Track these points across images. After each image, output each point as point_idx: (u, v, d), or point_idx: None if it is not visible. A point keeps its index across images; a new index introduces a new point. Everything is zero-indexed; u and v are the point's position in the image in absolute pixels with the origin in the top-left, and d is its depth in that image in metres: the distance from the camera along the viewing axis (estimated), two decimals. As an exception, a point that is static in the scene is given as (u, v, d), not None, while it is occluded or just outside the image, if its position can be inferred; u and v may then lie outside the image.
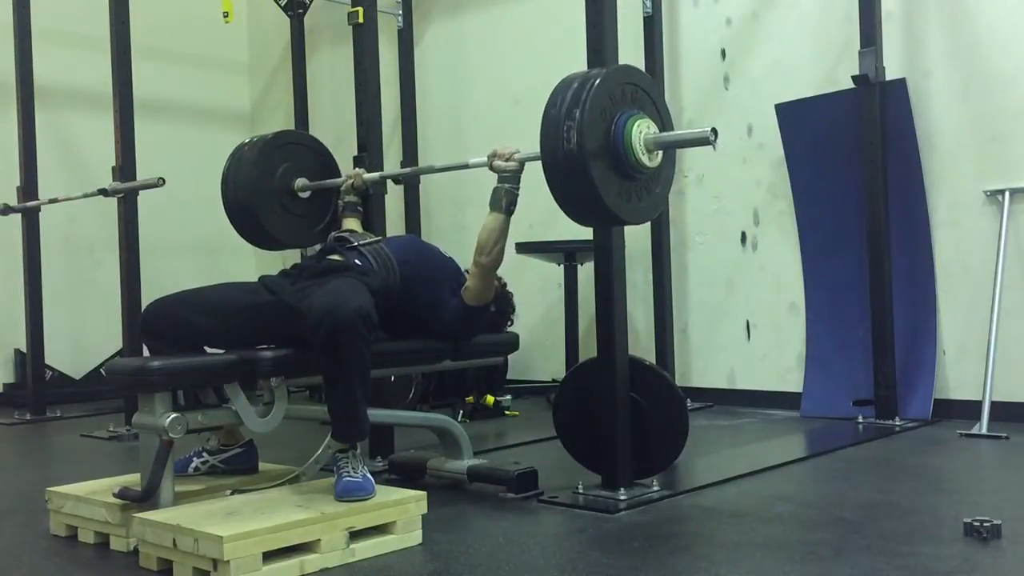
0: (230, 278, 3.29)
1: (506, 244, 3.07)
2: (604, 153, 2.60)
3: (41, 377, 5.48)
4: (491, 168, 3.05)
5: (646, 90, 2.78)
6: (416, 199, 5.97)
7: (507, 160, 3.01)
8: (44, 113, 5.63)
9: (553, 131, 2.58)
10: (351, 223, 3.49)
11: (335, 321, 2.56)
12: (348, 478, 2.55)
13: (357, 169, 3.55)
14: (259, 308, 2.87)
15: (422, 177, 5.98)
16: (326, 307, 2.59)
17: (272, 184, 3.52)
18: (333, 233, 3.28)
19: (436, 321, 3.08)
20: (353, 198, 3.52)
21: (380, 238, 3.20)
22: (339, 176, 3.61)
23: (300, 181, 3.58)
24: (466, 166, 3.28)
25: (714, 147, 2.68)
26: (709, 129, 2.61)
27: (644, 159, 2.64)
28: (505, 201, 3.00)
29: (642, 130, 2.64)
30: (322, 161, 3.67)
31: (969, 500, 2.83)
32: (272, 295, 2.89)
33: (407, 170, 3.50)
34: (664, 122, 2.81)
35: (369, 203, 3.64)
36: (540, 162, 2.66)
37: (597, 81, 2.60)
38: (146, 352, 3.07)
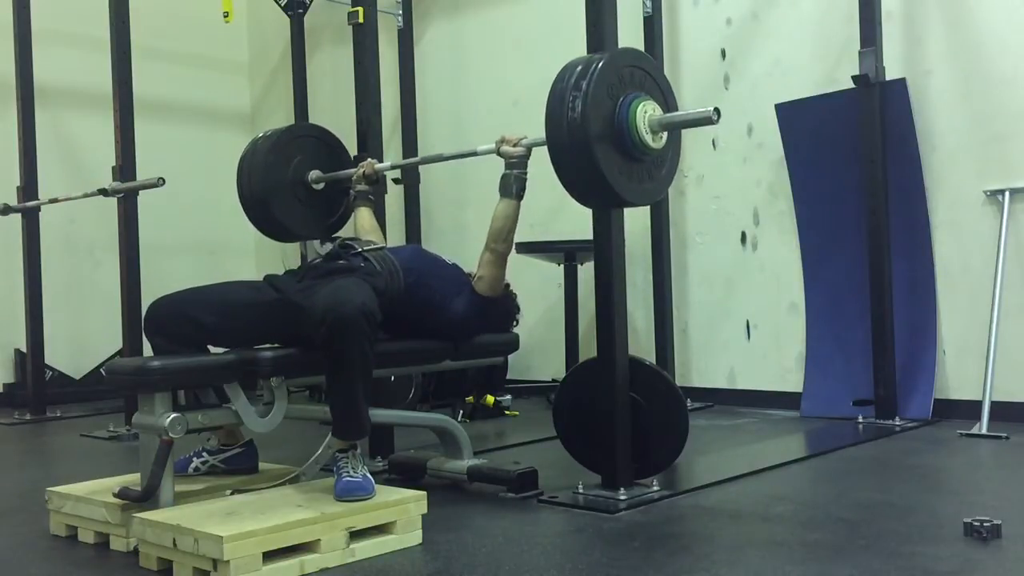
0: (230, 278, 3.29)
1: (516, 229, 3.11)
2: (608, 132, 2.61)
3: (41, 377, 5.48)
4: (499, 153, 3.11)
5: (651, 74, 2.80)
6: (416, 199, 5.98)
7: (515, 145, 3.07)
8: (44, 113, 5.63)
9: (558, 104, 2.61)
10: (363, 213, 3.51)
11: (338, 317, 2.57)
12: (348, 478, 2.55)
13: (369, 160, 3.58)
14: (264, 306, 2.88)
15: (422, 177, 5.99)
16: (329, 303, 2.60)
17: (286, 176, 3.58)
18: (339, 239, 3.29)
19: (440, 322, 3.08)
20: (364, 187, 3.54)
21: (384, 246, 3.21)
22: (351, 167, 3.64)
23: (314, 173, 3.63)
24: (475, 153, 3.33)
25: (716, 123, 2.68)
26: (712, 108, 2.64)
27: (648, 139, 2.66)
28: (515, 186, 3.06)
29: (647, 111, 2.66)
30: (335, 153, 3.72)
31: (969, 500, 2.83)
32: (277, 293, 2.90)
33: (417, 159, 3.58)
34: (669, 105, 2.84)
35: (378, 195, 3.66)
36: (546, 148, 2.68)
37: (603, 61, 2.63)
38: (148, 350, 3.07)
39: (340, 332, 2.57)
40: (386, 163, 3.61)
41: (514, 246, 3.21)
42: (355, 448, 2.65)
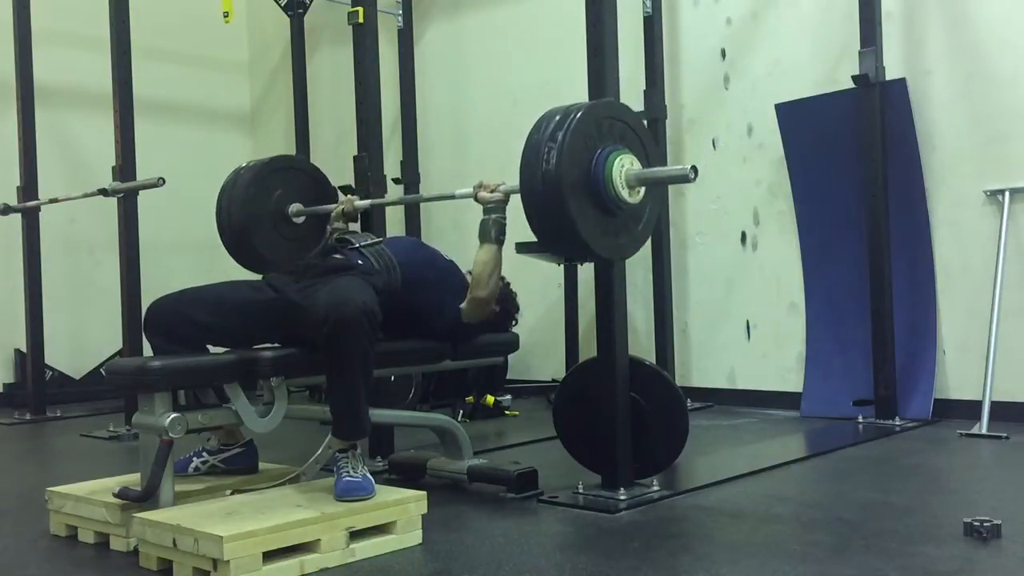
0: (230, 278, 3.29)
1: (500, 273, 3.08)
2: (584, 184, 2.59)
3: (41, 377, 5.48)
4: (476, 199, 3.08)
5: (632, 126, 2.78)
6: (416, 199, 5.98)
7: (492, 191, 3.04)
8: (44, 113, 5.62)
9: (534, 154, 2.58)
10: None
11: (340, 317, 2.57)
12: (348, 478, 2.55)
13: (349, 196, 3.57)
14: (263, 305, 2.87)
15: (422, 177, 5.99)
16: (331, 303, 2.60)
17: (267, 208, 3.57)
18: (336, 234, 3.29)
19: (437, 322, 3.08)
20: (342, 225, 3.52)
21: (381, 239, 3.20)
22: (334, 201, 3.62)
23: (294, 206, 3.62)
24: (452, 196, 3.31)
25: (693, 180, 2.67)
26: (689, 167, 2.63)
27: (624, 194, 2.64)
28: (494, 231, 3.02)
29: (624, 165, 2.64)
30: (317, 186, 3.71)
31: (969, 500, 2.84)
32: (276, 293, 2.90)
33: (396, 199, 3.56)
34: (649, 159, 2.81)
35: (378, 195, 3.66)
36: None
37: (580, 113, 2.60)
38: (147, 350, 3.06)
39: (342, 332, 2.57)
40: (365, 201, 3.58)
41: (514, 246, 3.20)
42: (355, 448, 2.65)
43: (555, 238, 2.69)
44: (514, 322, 3.38)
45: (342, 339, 2.58)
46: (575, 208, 2.56)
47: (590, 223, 2.62)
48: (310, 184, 3.69)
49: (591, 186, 2.61)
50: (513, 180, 2.81)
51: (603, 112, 2.71)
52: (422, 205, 5.99)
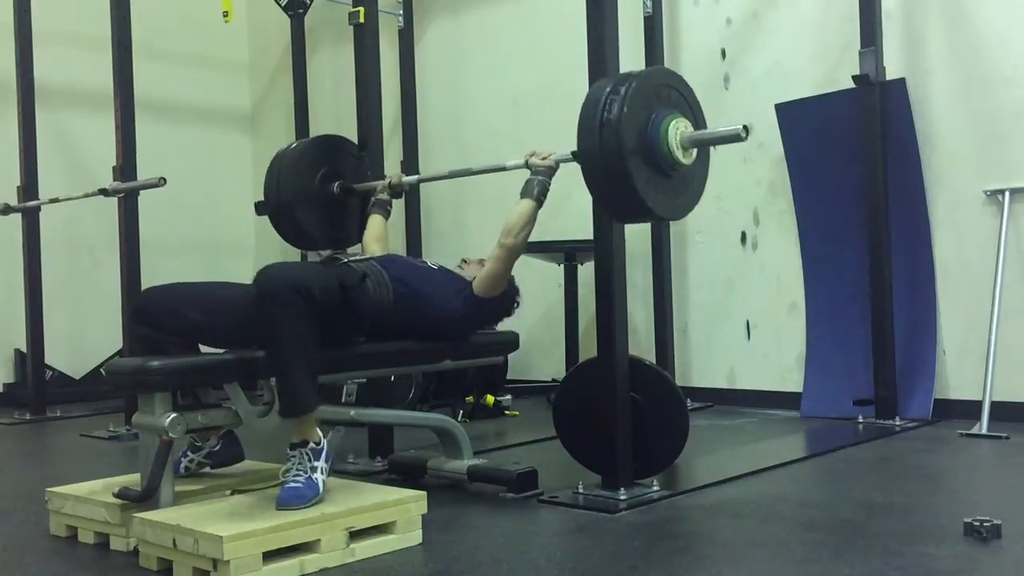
0: (230, 278, 3.30)
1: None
2: (640, 145, 2.64)
3: (41, 377, 5.48)
4: (527, 166, 3.17)
5: (684, 94, 2.85)
6: (416, 200, 5.97)
7: (543, 159, 3.13)
8: (44, 113, 5.63)
9: (593, 109, 2.62)
10: (377, 220, 3.56)
11: (264, 290, 2.59)
12: (291, 484, 2.50)
13: (396, 172, 3.62)
14: (247, 303, 2.86)
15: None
16: (260, 278, 2.64)
17: (312, 184, 3.65)
18: (325, 254, 3.30)
19: (438, 322, 3.08)
20: (386, 196, 3.60)
21: (369, 257, 3.20)
22: (373, 180, 3.70)
23: (339, 183, 3.68)
24: (503, 168, 3.35)
25: (745, 140, 2.74)
26: (741, 126, 2.69)
27: (679, 155, 2.69)
28: (537, 190, 3.11)
29: (679, 128, 2.70)
30: (359, 165, 3.78)
31: (969, 500, 2.84)
32: None
33: (446, 173, 3.67)
34: (700, 125, 2.87)
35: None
36: (573, 161, 2.71)
37: (637, 80, 2.66)
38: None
39: (268, 304, 2.58)
40: (412, 177, 3.67)
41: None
42: (305, 444, 2.61)
43: (612, 197, 2.72)
44: (516, 304, 3.35)
45: (268, 314, 2.58)
46: (632, 168, 2.60)
47: (645, 181, 2.65)
48: (353, 163, 3.77)
49: (648, 147, 2.65)
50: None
51: (658, 79, 2.78)
52: (422, 205, 5.98)
